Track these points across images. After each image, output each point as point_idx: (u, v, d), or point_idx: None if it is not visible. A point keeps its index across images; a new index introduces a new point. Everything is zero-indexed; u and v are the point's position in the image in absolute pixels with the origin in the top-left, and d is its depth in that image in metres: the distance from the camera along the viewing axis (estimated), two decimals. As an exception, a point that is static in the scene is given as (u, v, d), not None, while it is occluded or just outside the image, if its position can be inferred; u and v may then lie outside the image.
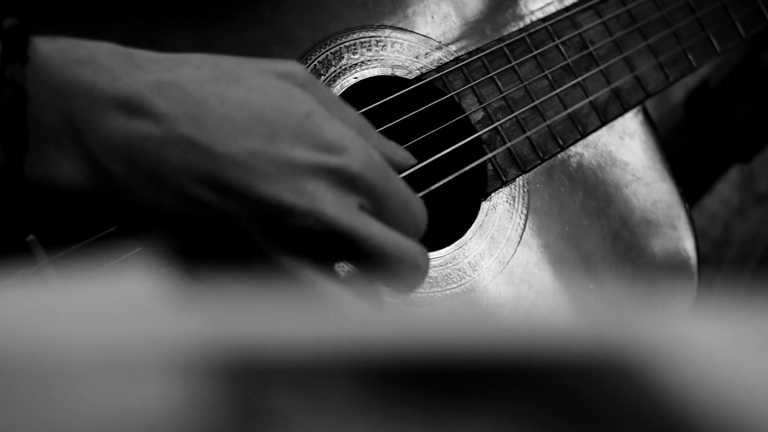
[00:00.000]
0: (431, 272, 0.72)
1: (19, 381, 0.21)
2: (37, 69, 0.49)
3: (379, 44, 0.75)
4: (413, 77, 0.75)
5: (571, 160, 0.80)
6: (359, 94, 0.73)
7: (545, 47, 0.81)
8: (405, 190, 0.55)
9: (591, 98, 0.81)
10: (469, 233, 0.74)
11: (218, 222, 0.51)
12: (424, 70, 0.76)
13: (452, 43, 0.78)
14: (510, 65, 0.79)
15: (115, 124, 0.49)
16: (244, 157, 0.50)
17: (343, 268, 0.60)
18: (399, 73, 0.75)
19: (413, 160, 0.61)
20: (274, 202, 0.51)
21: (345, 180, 0.52)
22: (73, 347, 0.22)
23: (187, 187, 0.50)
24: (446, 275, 0.72)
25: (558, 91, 0.80)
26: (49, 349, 0.22)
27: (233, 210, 0.51)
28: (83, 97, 0.49)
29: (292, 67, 0.55)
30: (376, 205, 0.53)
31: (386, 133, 0.68)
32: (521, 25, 0.82)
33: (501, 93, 0.77)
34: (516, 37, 0.80)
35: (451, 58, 0.77)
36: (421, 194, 0.70)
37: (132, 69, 0.51)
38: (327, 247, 0.52)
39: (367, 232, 0.52)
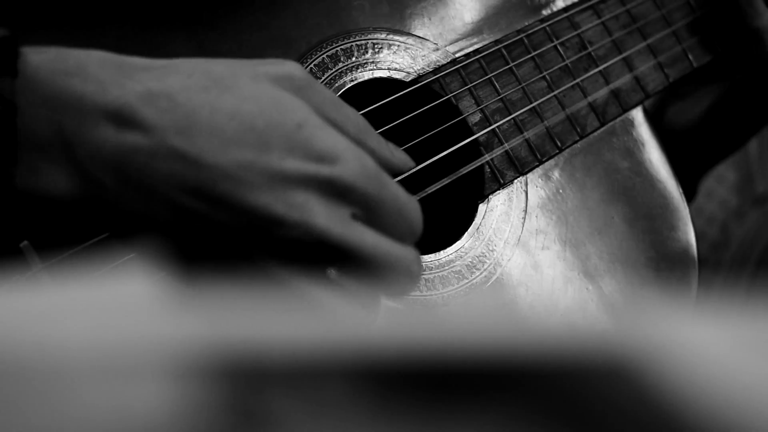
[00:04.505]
0: (429, 275, 0.72)
1: (18, 383, 0.21)
2: (27, 81, 0.49)
3: (376, 47, 0.75)
4: (410, 79, 0.75)
5: (570, 161, 0.80)
6: (356, 97, 0.73)
7: (543, 48, 0.80)
8: (400, 196, 0.55)
9: (590, 99, 0.81)
10: (466, 236, 0.74)
11: (209, 230, 0.51)
12: (421, 73, 0.76)
13: (449, 44, 0.78)
14: (508, 66, 0.78)
15: (104, 135, 0.49)
16: (234, 169, 0.50)
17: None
18: (396, 75, 0.75)
19: (411, 164, 0.61)
20: (263, 214, 0.51)
21: (337, 190, 0.52)
22: (72, 349, 0.22)
23: (176, 198, 0.50)
24: (443, 278, 0.72)
25: (556, 92, 0.80)
26: (47, 351, 0.22)
27: (223, 220, 0.51)
28: (73, 108, 0.49)
29: (290, 68, 0.55)
30: (370, 212, 0.54)
31: (383, 136, 0.67)
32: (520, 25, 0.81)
33: (499, 95, 0.77)
34: (514, 38, 0.79)
35: (449, 59, 0.77)
36: (417, 197, 0.70)
37: (122, 79, 0.50)
38: (318, 257, 0.53)
39: (359, 242, 0.52)
